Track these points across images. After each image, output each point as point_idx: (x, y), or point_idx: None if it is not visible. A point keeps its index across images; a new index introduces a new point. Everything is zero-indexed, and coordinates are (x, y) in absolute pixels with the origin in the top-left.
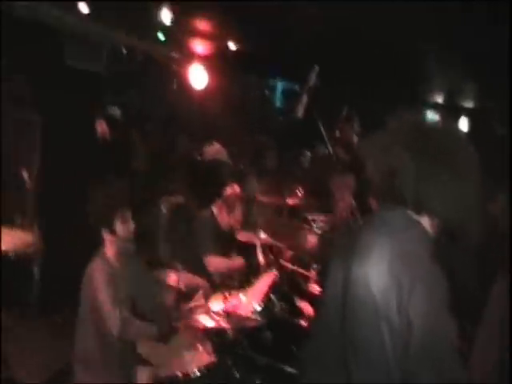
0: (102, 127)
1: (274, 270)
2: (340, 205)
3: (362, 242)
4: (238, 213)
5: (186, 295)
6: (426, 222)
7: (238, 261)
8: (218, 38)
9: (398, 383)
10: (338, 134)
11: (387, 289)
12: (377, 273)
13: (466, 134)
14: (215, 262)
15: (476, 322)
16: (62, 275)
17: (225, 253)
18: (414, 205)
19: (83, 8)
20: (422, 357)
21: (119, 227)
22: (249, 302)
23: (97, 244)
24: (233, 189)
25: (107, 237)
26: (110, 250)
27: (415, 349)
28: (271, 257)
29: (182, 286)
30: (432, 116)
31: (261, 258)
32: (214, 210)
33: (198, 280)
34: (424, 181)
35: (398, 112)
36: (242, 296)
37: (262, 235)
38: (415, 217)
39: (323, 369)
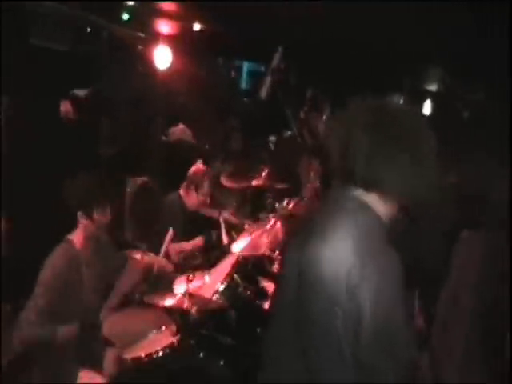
0: (66, 107)
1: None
2: (307, 187)
3: (314, 223)
4: (204, 191)
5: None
6: (378, 201)
7: (197, 241)
8: (183, 19)
9: (352, 366)
10: (303, 116)
11: (338, 271)
12: (328, 255)
13: (420, 112)
14: (174, 249)
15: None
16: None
17: (191, 235)
18: (364, 183)
19: None
20: (371, 339)
21: (97, 214)
22: (213, 282)
23: (57, 231)
24: (197, 167)
25: (82, 222)
26: (78, 236)
27: (366, 335)
28: (235, 236)
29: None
30: (397, 99)
31: (225, 238)
32: (181, 191)
33: (162, 261)
34: (376, 159)
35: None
36: (206, 277)
37: (226, 214)
38: (367, 197)
39: (282, 353)
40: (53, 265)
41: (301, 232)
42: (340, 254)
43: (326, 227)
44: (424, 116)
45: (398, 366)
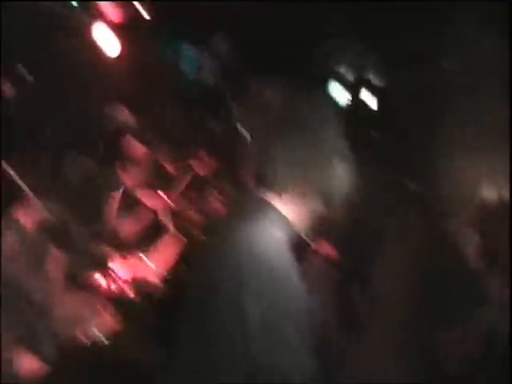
0: (6, 87)
1: (182, 236)
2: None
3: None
4: (140, 170)
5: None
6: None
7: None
8: (130, 4)
9: None
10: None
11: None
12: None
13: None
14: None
15: None
16: None
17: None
18: (266, 183)
19: None
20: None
21: None
22: (154, 265)
23: None
24: (134, 145)
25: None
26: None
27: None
28: (180, 222)
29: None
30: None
31: (167, 221)
32: (118, 169)
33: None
34: (272, 158)
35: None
36: (144, 257)
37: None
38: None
39: None
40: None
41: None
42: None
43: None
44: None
45: None
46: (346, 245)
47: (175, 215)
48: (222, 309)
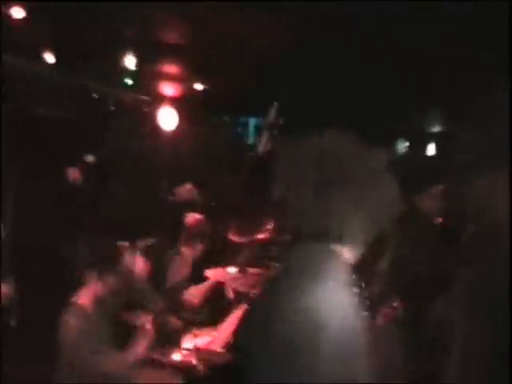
0: (73, 174)
1: (245, 303)
2: None
3: (282, 278)
4: (202, 245)
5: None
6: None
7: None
8: (186, 80)
9: None
10: None
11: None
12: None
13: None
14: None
15: None
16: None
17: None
18: (313, 236)
19: (48, 57)
20: None
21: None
22: (220, 337)
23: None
24: (193, 217)
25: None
26: (86, 297)
27: None
28: (242, 290)
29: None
30: (401, 143)
31: (230, 293)
32: (182, 247)
33: (172, 320)
34: (323, 211)
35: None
36: (214, 333)
37: (232, 271)
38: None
39: None
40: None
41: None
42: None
43: (292, 280)
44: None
45: None
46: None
47: (240, 285)
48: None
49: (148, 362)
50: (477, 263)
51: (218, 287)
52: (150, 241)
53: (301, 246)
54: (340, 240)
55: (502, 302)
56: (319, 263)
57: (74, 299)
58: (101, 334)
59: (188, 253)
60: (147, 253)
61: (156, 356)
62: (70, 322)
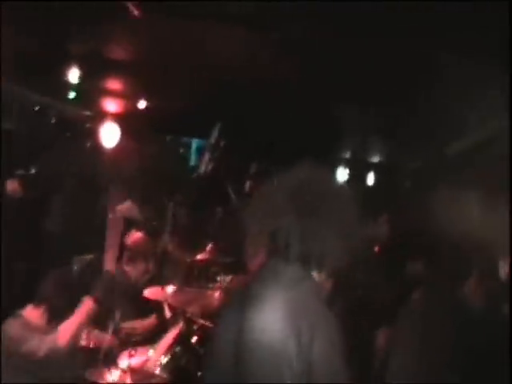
0: (12, 186)
1: (181, 323)
2: (253, 261)
3: (255, 292)
4: (145, 263)
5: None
6: (314, 272)
7: (150, 321)
8: (129, 97)
9: None
10: (247, 189)
11: (286, 338)
12: (273, 323)
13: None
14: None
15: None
16: None
17: (136, 309)
18: (300, 260)
19: None
20: None
21: None
22: (157, 356)
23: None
24: (136, 236)
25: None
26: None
27: None
28: (179, 310)
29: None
30: (341, 171)
31: (167, 313)
32: (125, 266)
33: (106, 337)
34: (308, 238)
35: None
36: (150, 351)
37: (170, 290)
38: (303, 268)
39: None
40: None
41: (237, 301)
42: (286, 321)
43: (268, 298)
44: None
45: None
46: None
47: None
48: None
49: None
50: (425, 290)
51: (154, 305)
52: (89, 257)
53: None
54: (311, 264)
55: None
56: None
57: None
58: None
59: (131, 272)
60: (87, 268)
61: (91, 376)
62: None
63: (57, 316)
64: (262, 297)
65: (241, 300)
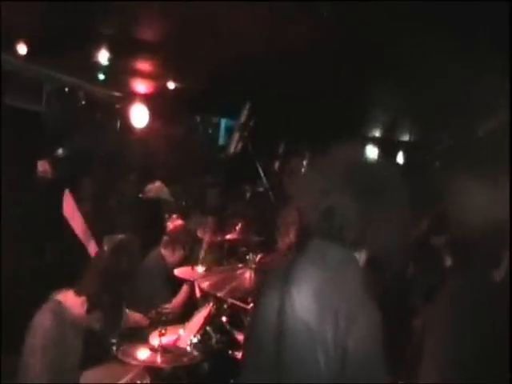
0: (43, 167)
1: (211, 303)
2: (284, 240)
3: (299, 272)
4: (183, 251)
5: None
6: (362, 255)
7: (184, 289)
8: (159, 78)
9: None
10: (277, 167)
11: (323, 320)
12: (313, 304)
13: (397, 166)
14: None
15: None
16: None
17: (173, 291)
18: (353, 243)
19: (21, 48)
20: (354, 381)
21: None
22: (187, 335)
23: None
24: (176, 223)
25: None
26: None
27: (349, 374)
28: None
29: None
30: (370, 150)
31: (198, 293)
32: (162, 249)
33: (137, 317)
34: (364, 220)
35: (333, 148)
36: (180, 330)
37: (200, 270)
38: (352, 252)
39: None
40: (44, 328)
41: (278, 281)
42: (326, 303)
43: (310, 279)
44: (398, 169)
45: None
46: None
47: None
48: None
49: (114, 361)
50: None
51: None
52: (120, 236)
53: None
54: (356, 244)
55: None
56: (333, 262)
57: (55, 297)
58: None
59: (168, 256)
60: (118, 248)
61: (123, 355)
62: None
63: (97, 305)
64: (307, 277)
65: (282, 280)
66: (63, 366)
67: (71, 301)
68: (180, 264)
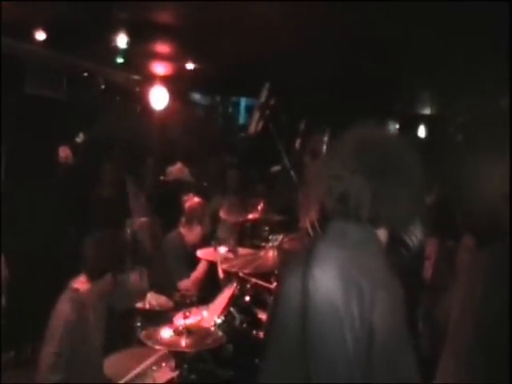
0: (65, 153)
1: (235, 283)
2: (305, 218)
3: (321, 252)
4: (205, 224)
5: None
6: (381, 233)
7: (200, 268)
8: (177, 59)
9: None
10: (298, 146)
11: (349, 298)
12: (337, 283)
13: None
14: (185, 285)
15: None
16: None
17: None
18: (370, 222)
19: (39, 35)
20: (381, 359)
21: None
22: (210, 316)
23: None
24: (192, 201)
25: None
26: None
27: (376, 352)
28: (232, 270)
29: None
30: (391, 125)
31: (220, 273)
32: (181, 228)
33: (162, 300)
34: (378, 199)
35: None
36: (204, 312)
37: (223, 250)
38: (372, 229)
39: (283, 378)
40: (65, 317)
41: (301, 261)
42: (350, 280)
43: (333, 257)
44: (415, 144)
45: None
46: None
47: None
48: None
49: (138, 343)
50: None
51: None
52: (142, 219)
53: (336, 224)
54: (378, 223)
55: None
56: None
57: (73, 285)
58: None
59: (187, 235)
60: (142, 229)
61: (147, 336)
62: (65, 303)
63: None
64: (329, 257)
65: (306, 260)
66: (87, 350)
67: (87, 285)
68: (199, 242)
